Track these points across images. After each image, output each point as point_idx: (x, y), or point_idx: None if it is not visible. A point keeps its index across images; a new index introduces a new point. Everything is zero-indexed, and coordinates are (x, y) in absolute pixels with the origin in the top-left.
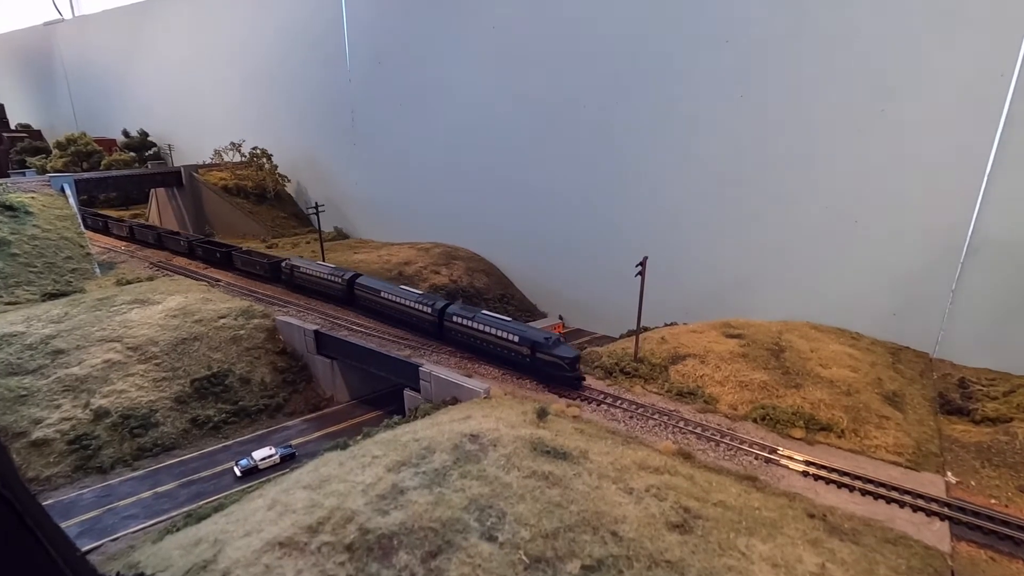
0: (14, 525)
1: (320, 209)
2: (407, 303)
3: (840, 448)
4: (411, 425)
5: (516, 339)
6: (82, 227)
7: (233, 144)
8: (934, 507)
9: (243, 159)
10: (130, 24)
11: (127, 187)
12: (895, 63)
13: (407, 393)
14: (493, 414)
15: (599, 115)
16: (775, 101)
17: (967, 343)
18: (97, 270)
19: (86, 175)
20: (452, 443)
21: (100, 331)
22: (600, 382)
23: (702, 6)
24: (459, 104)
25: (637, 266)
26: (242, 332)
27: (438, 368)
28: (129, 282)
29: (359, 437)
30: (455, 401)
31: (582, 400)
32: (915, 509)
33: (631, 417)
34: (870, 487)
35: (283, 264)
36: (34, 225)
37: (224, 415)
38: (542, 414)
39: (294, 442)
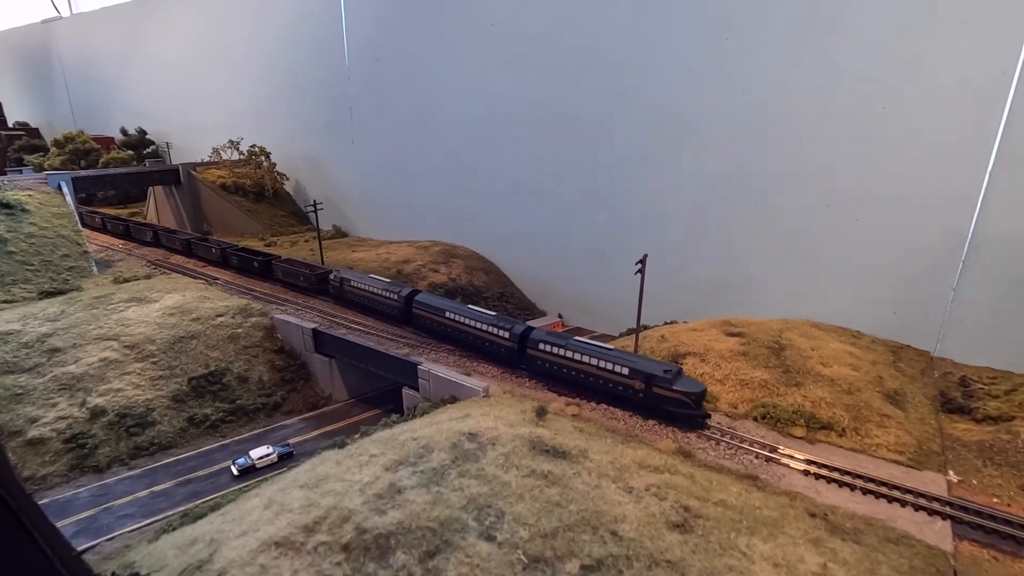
0: (10, 524)
1: (319, 207)
2: (479, 326)
3: (841, 447)
4: (409, 424)
5: (625, 371)
6: (79, 225)
7: (231, 142)
8: (936, 506)
9: (241, 157)
10: (128, 22)
11: (125, 185)
12: (896, 62)
13: (406, 391)
14: (492, 413)
15: (599, 112)
16: (776, 99)
17: (968, 341)
18: (94, 268)
19: (83, 173)
20: (450, 442)
21: (97, 329)
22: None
23: (703, 4)
24: (458, 102)
25: (637, 264)
26: (240, 330)
27: (437, 366)
28: (126, 280)
29: (357, 436)
30: (454, 400)
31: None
32: (917, 508)
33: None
34: (871, 486)
35: (331, 276)
36: (31, 223)
37: (221, 414)
38: (541, 412)
39: (292, 441)
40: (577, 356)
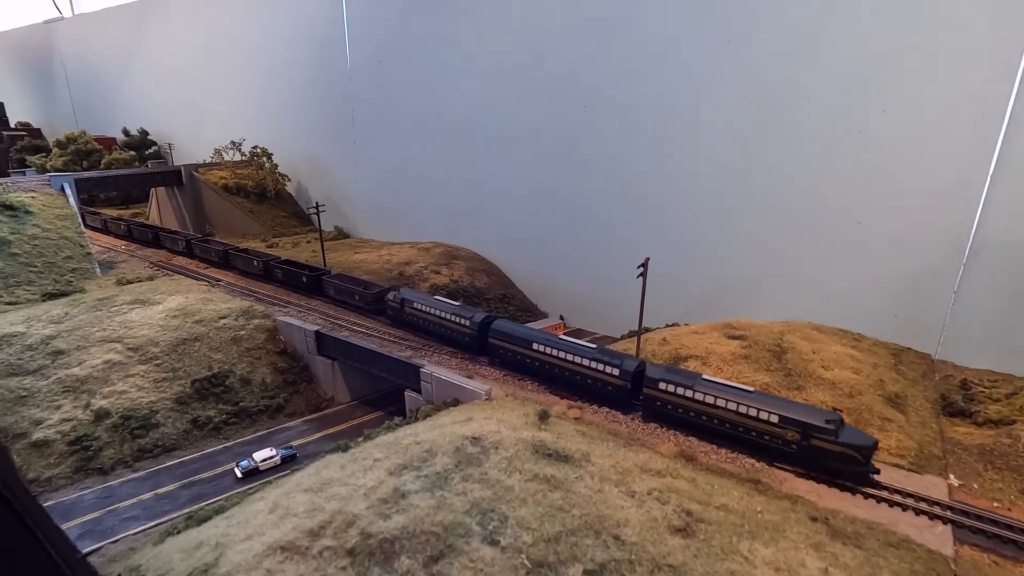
0: (15, 526)
1: (320, 209)
2: (578, 362)
3: None
4: (412, 427)
5: (774, 419)
6: (82, 227)
7: (233, 143)
8: (937, 510)
9: (243, 158)
10: (130, 22)
11: (127, 186)
12: (897, 64)
13: (408, 394)
14: (494, 416)
15: (600, 115)
16: (777, 102)
17: (969, 344)
18: (97, 270)
19: (86, 174)
20: (453, 446)
21: (100, 331)
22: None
23: (704, 7)
24: (460, 104)
25: (639, 267)
26: (243, 332)
27: (439, 369)
28: (129, 282)
29: (360, 439)
30: (456, 402)
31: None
32: (918, 512)
33: None
34: (872, 490)
35: (390, 296)
36: (34, 225)
37: (225, 416)
38: (544, 416)
39: (295, 443)
40: (709, 398)
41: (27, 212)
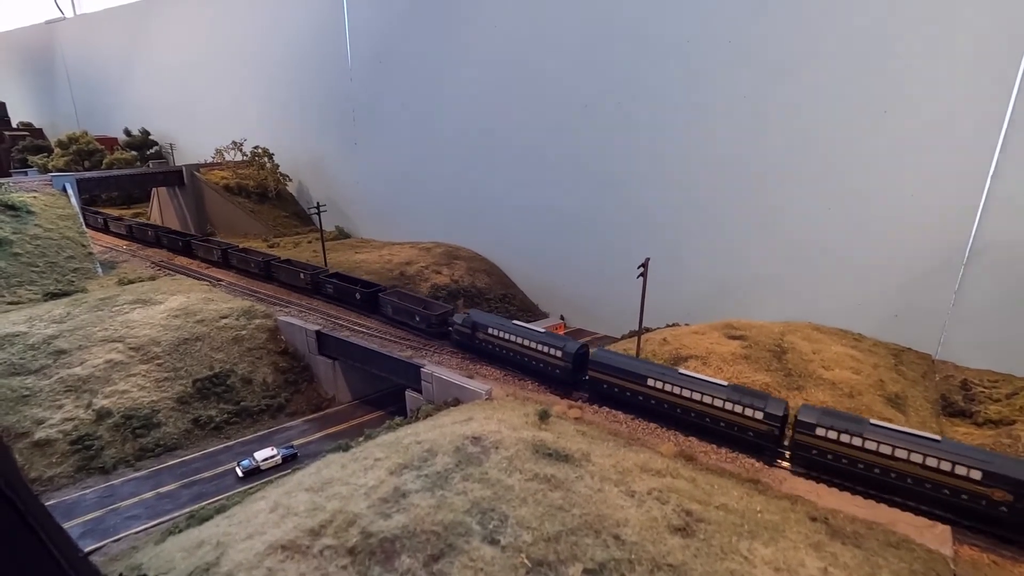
0: (17, 525)
1: (322, 209)
2: (710, 403)
3: None
4: (413, 427)
5: (976, 475)
6: (84, 227)
7: (234, 143)
8: (935, 510)
9: (244, 158)
10: (131, 22)
11: (129, 186)
12: (898, 65)
13: (409, 394)
14: (495, 416)
15: (601, 115)
16: (778, 103)
17: (970, 345)
18: (99, 269)
19: (88, 175)
20: (454, 445)
21: (102, 331)
22: None
23: (705, 8)
24: (461, 103)
25: (639, 267)
26: (244, 332)
27: (440, 369)
28: (131, 281)
29: (361, 439)
30: (457, 402)
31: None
32: (917, 512)
33: None
34: (872, 490)
35: (456, 319)
36: (36, 225)
37: (226, 415)
38: (544, 416)
39: (296, 442)
40: (886, 448)
41: (29, 212)
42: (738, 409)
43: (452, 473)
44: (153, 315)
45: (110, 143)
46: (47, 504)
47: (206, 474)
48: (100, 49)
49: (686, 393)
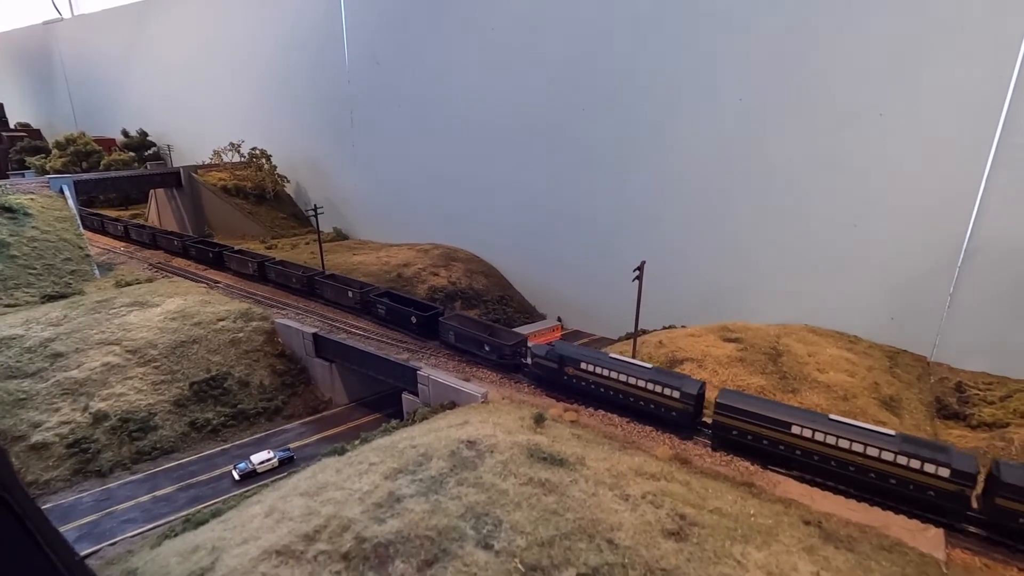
0: (13, 529)
1: (319, 211)
2: (876, 455)
3: None
4: (408, 430)
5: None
6: (81, 228)
7: (232, 144)
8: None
9: (242, 159)
10: (129, 24)
11: (126, 188)
12: (893, 67)
13: (405, 396)
14: (490, 419)
15: (598, 117)
16: (773, 105)
17: (965, 347)
18: (96, 272)
19: (85, 176)
20: (449, 450)
21: (99, 334)
22: None
23: (701, 10)
24: (458, 105)
25: (635, 270)
26: (241, 335)
27: (436, 372)
28: (128, 284)
29: (357, 443)
30: (453, 405)
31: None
32: (910, 515)
33: None
34: (865, 493)
35: (536, 351)
36: (33, 227)
37: (223, 418)
38: (539, 419)
39: (292, 445)
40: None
41: (26, 214)
42: (915, 464)
43: (447, 478)
44: (150, 318)
45: (108, 144)
46: (44, 507)
47: (202, 477)
48: (98, 50)
49: (843, 444)
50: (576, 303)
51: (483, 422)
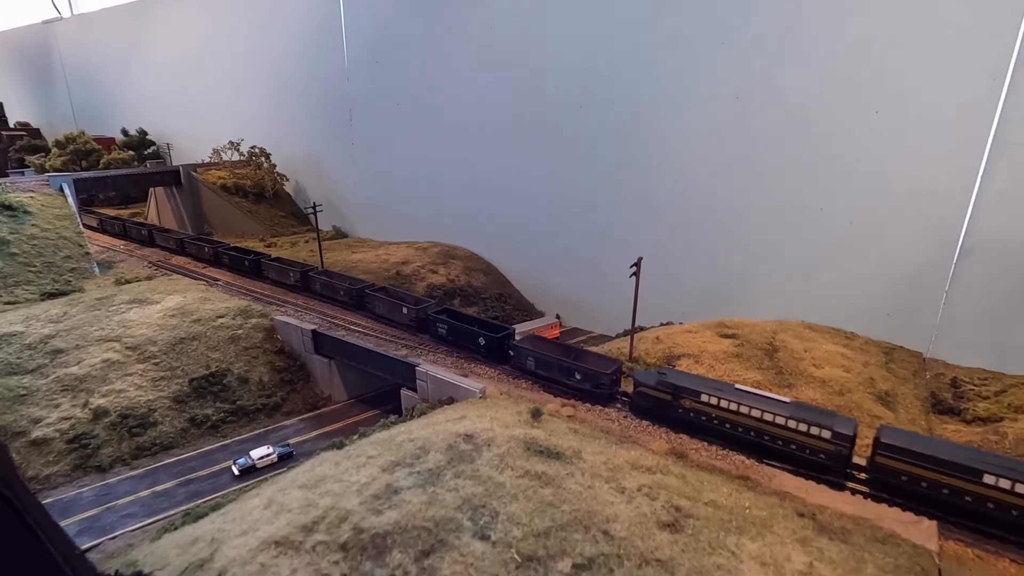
0: (14, 523)
1: (318, 209)
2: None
3: None
4: (406, 425)
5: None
6: (81, 226)
7: (231, 143)
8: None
9: (241, 158)
10: (129, 22)
11: (126, 187)
12: (889, 65)
13: (404, 392)
14: (488, 414)
15: (596, 115)
16: (770, 102)
17: (960, 343)
18: (96, 269)
19: (85, 175)
20: (446, 443)
21: (99, 331)
22: None
23: (698, 8)
24: (457, 103)
25: (632, 267)
26: (240, 332)
27: (435, 368)
28: (128, 281)
29: (355, 437)
30: (451, 401)
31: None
32: (904, 508)
33: None
34: (860, 486)
35: (641, 379)
36: (33, 225)
37: (222, 414)
38: (536, 414)
39: (292, 441)
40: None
41: (26, 212)
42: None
43: (444, 470)
44: (150, 314)
45: (107, 143)
46: (44, 502)
47: (202, 472)
48: (97, 49)
49: (743, 410)
50: (574, 300)
51: (481, 416)
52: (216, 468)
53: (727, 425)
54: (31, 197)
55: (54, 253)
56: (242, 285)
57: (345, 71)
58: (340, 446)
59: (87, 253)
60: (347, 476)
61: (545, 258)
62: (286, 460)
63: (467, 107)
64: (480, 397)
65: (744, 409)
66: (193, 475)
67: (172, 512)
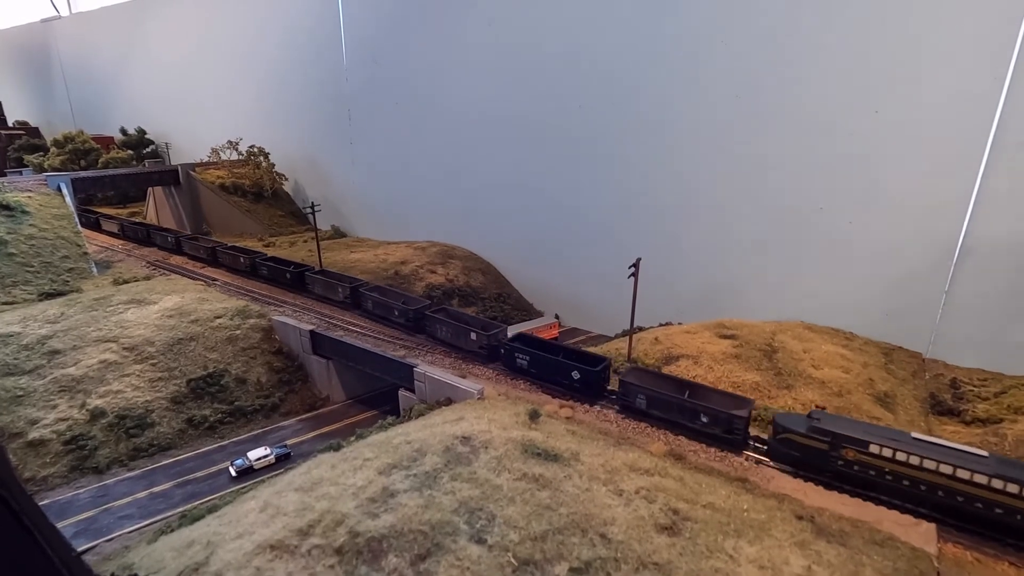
0: (11, 525)
1: (316, 209)
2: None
3: None
4: (404, 427)
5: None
6: (79, 226)
7: (230, 142)
8: (921, 508)
9: (240, 157)
10: (127, 21)
11: (124, 186)
12: (889, 65)
13: (402, 393)
14: (486, 415)
15: (595, 115)
16: (770, 102)
17: (960, 343)
18: (94, 269)
19: (83, 174)
20: (443, 445)
21: (96, 331)
22: None
23: (697, 8)
24: (455, 104)
25: (630, 267)
26: (238, 332)
27: (432, 369)
28: (126, 281)
29: (352, 438)
30: (449, 402)
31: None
32: (903, 510)
33: None
34: (859, 488)
35: (785, 424)
36: (31, 224)
37: (220, 415)
38: (534, 416)
39: (289, 442)
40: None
41: (24, 212)
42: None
43: (441, 473)
44: (147, 315)
45: (106, 142)
46: (41, 504)
47: (199, 474)
48: (96, 48)
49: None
50: (573, 300)
51: (478, 418)
52: (213, 469)
53: (905, 482)
54: (29, 197)
55: (52, 253)
56: (240, 285)
57: (344, 70)
58: (337, 448)
59: (85, 253)
60: (343, 479)
61: (544, 258)
62: (283, 461)
63: (466, 106)
64: (478, 398)
65: (929, 464)
66: (190, 476)
67: (169, 514)
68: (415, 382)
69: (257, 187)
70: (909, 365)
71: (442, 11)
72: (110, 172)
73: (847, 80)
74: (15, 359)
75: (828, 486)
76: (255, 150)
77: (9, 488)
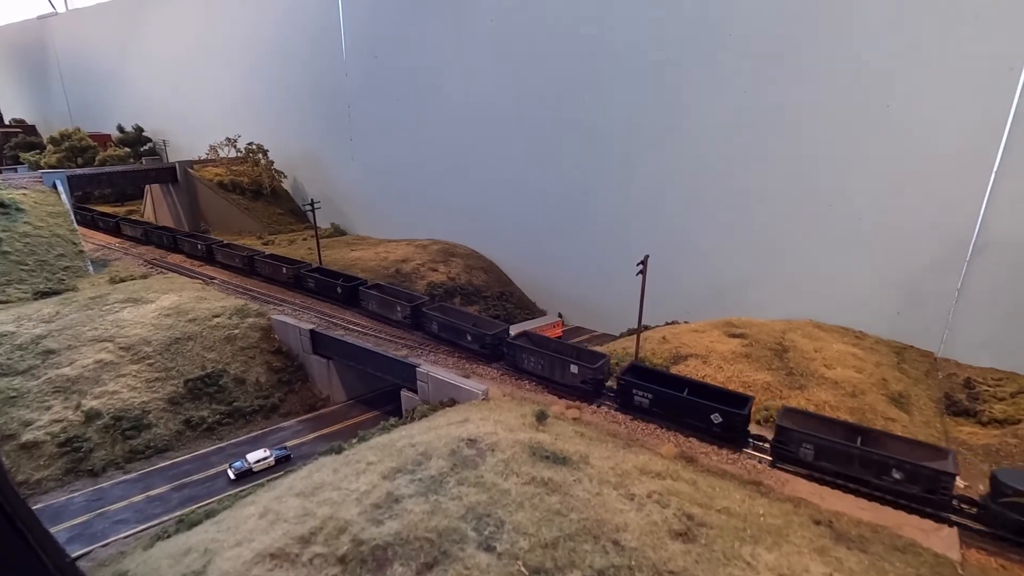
0: (3, 529)
1: (316, 206)
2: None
3: None
4: (407, 428)
5: None
6: (75, 224)
7: (228, 139)
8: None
9: (239, 155)
10: (124, 18)
11: (121, 184)
12: (901, 59)
13: (404, 394)
14: (491, 417)
15: (599, 111)
16: (779, 97)
17: (972, 342)
18: (90, 268)
19: (79, 171)
20: (449, 448)
21: (92, 331)
22: None
23: (704, 3)
24: (457, 99)
25: (638, 265)
26: (237, 331)
27: (435, 368)
28: (122, 280)
29: (354, 441)
30: (453, 402)
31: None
32: (924, 515)
33: None
34: (877, 492)
35: (1020, 487)
36: (26, 222)
37: (218, 416)
38: (541, 417)
39: (289, 443)
40: None
41: (19, 209)
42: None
43: (447, 477)
44: (144, 314)
45: (103, 140)
46: (34, 508)
47: (197, 476)
48: (93, 45)
49: None
50: (577, 299)
51: (484, 420)
52: (211, 472)
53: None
54: (24, 194)
55: (47, 251)
56: (238, 283)
57: (343, 66)
58: (339, 451)
59: (81, 251)
60: (346, 483)
61: (547, 255)
62: (283, 463)
63: (468, 102)
64: (483, 399)
65: None
66: (188, 479)
67: (166, 518)
68: (418, 382)
69: (256, 185)
70: (921, 364)
71: (443, 5)
72: (107, 170)
73: (859, 74)
74: (8, 359)
75: (845, 489)
76: (253, 147)
77: (2, 492)
